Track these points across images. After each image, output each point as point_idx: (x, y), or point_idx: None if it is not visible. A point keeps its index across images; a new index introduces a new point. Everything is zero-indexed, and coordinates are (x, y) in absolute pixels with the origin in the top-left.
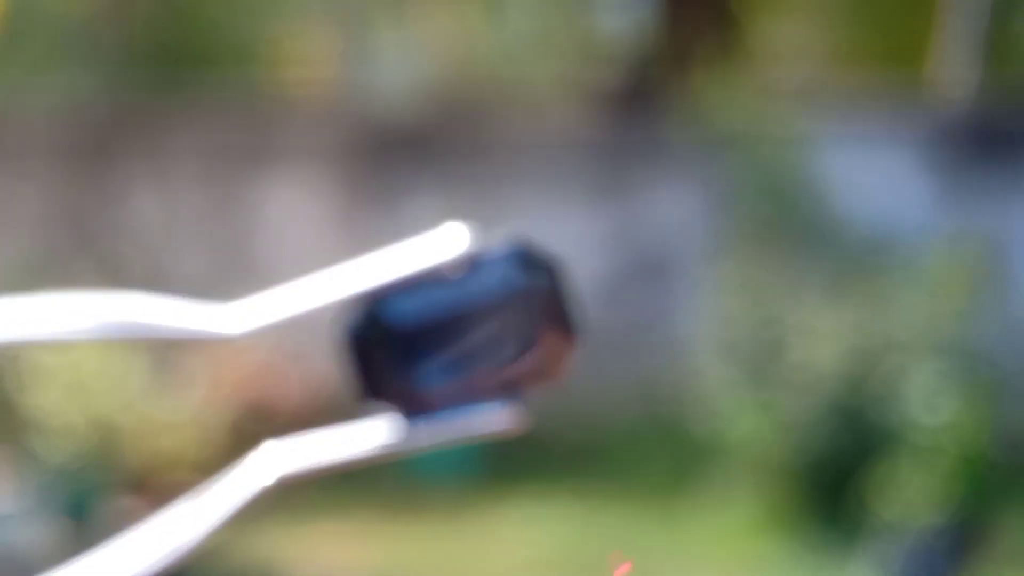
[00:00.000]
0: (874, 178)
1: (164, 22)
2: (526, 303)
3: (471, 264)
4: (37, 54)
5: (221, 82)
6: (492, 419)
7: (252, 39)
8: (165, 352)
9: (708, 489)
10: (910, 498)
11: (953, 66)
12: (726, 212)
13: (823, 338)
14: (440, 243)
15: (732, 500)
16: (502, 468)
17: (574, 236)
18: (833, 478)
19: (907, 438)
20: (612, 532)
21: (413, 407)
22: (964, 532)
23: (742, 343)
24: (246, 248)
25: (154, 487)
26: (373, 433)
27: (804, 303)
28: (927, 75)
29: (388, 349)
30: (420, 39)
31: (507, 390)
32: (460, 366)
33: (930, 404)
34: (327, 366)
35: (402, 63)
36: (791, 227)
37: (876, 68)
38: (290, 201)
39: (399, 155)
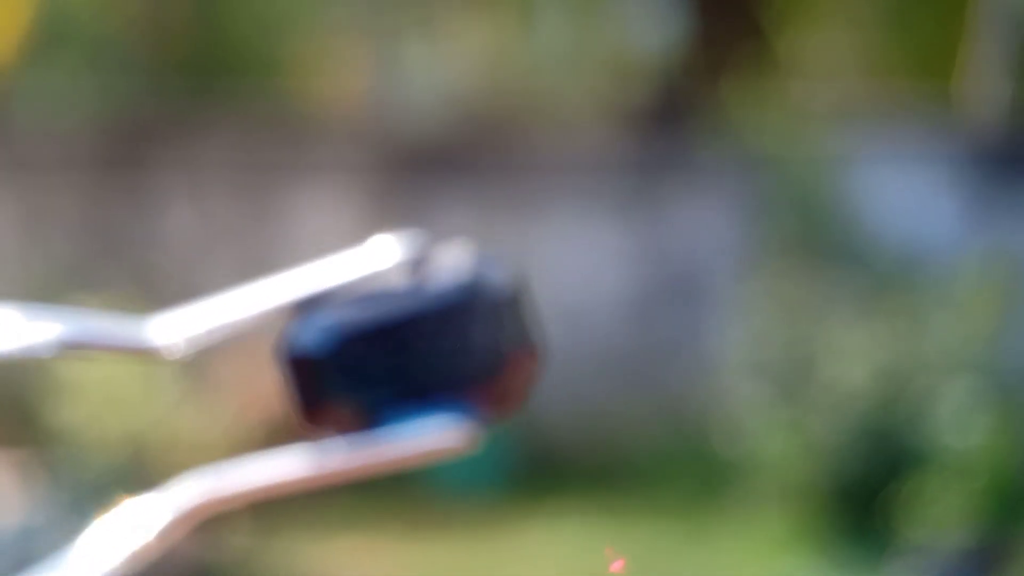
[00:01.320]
0: (904, 196)
1: (197, 34)
2: (481, 316)
3: (419, 275)
4: (70, 64)
5: (253, 95)
6: (441, 437)
7: (284, 52)
8: (197, 367)
9: (736, 507)
10: (939, 518)
11: (983, 84)
12: (757, 230)
13: (853, 357)
14: (382, 252)
15: (760, 519)
16: (529, 484)
17: (604, 253)
18: (862, 497)
19: (937, 458)
20: (639, 549)
21: (354, 426)
22: (993, 553)
23: (771, 362)
24: (276, 261)
25: None
26: (306, 458)
27: (834, 322)
28: (957, 92)
29: (324, 364)
30: (451, 54)
31: (459, 407)
32: (405, 381)
33: (960, 424)
34: None
35: (433, 78)
36: (821, 246)
37: (907, 83)
38: (320, 214)
39: (429, 170)
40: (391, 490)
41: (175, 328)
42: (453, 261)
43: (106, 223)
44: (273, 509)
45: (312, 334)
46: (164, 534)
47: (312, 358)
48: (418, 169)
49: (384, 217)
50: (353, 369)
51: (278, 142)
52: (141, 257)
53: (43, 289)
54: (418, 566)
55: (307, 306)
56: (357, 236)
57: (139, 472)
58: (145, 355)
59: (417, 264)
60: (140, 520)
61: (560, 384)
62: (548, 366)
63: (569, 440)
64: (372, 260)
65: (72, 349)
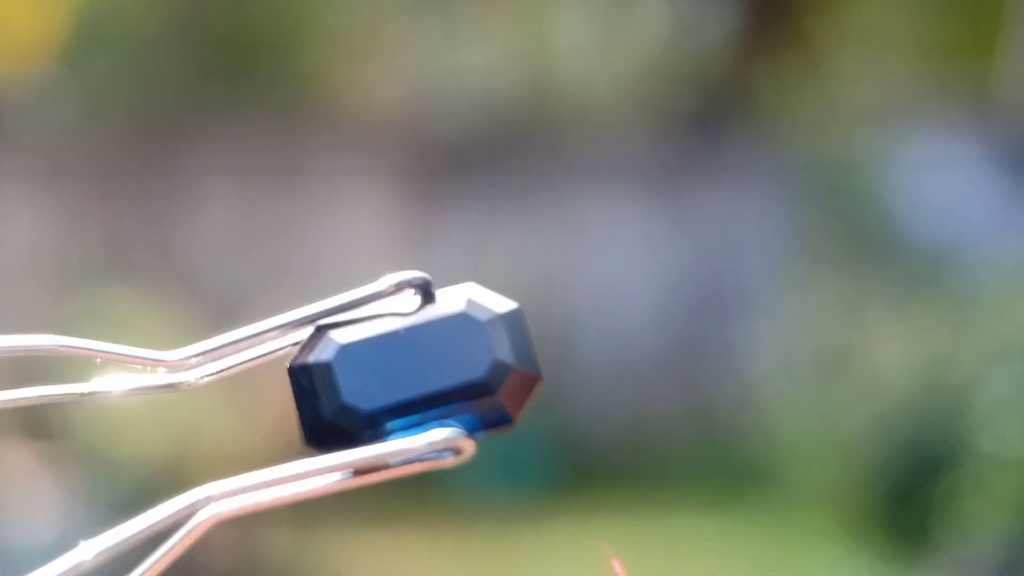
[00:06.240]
0: (941, 187)
1: (234, 37)
2: (482, 346)
3: (424, 302)
4: (105, 65)
5: (290, 98)
6: (440, 449)
7: (320, 56)
8: (230, 384)
9: (767, 509)
10: (980, 514)
11: (1021, 67)
12: (792, 228)
13: (890, 353)
14: (393, 282)
15: (792, 522)
16: (560, 484)
17: (637, 253)
18: (900, 494)
19: (976, 454)
20: (667, 552)
21: (356, 441)
22: None
23: (805, 366)
24: (294, 269)
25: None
26: (310, 466)
27: (870, 318)
28: (996, 74)
29: (331, 389)
30: (485, 55)
31: (459, 421)
32: (409, 406)
33: (1000, 419)
34: None
35: (468, 79)
36: (857, 241)
37: (945, 65)
38: (341, 222)
39: (464, 173)
40: (420, 490)
41: (199, 357)
42: (456, 290)
43: (144, 223)
44: (306, 507)
45: (316, 349)
46: (169, 553)
47: (313, 368)
48: (453, 172)
49: (406, 224)
50: (353, 383)
51: (297, 147)
52: (179, 256)
53: (81, 287)
54: (446, 564)
55: (319, 330)
56: (377, 244)
57: (173, 481)
58: (170, 390)
59: (423, 294)
60: (140, 531)
61: (592, 385)
62: (580, 368)
63: (601, 441)
64: (381, 290)
65: (96, 393)
